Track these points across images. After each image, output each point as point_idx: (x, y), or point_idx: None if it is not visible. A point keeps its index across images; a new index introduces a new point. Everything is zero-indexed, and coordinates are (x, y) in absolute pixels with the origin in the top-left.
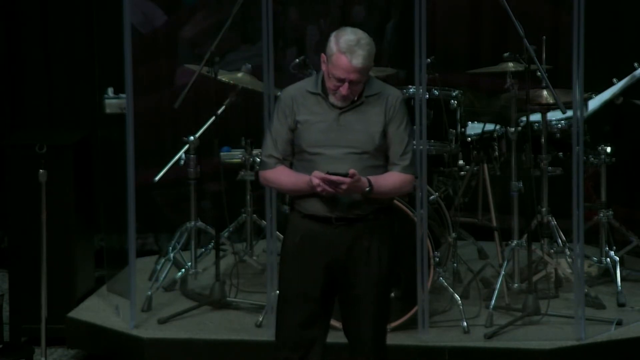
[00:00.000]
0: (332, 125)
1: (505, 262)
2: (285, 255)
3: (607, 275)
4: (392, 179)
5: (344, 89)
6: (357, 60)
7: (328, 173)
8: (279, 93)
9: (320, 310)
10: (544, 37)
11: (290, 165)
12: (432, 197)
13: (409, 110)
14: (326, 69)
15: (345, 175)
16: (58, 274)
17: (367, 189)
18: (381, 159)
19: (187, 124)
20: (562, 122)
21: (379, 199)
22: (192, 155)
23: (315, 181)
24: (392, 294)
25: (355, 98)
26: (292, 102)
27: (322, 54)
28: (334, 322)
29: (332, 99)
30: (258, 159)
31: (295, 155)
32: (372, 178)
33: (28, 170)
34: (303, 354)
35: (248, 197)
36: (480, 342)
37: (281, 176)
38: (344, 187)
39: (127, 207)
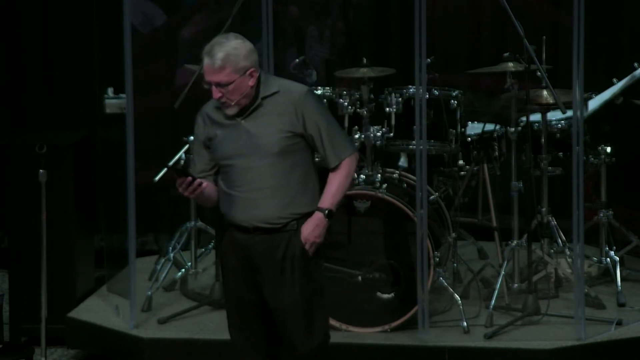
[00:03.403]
0: (236, 135)
1: (505, 262)
2: (221, 262)
3: (607, 275)
4: (336, 181)
5: (214, 94)
6: (212, 60)
7: (169, 169)
8: None
9: (260, 314)
10: (544, 37)
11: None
12: (432, 197)
13: (409, 110)
14: None
15: (174, 167)
16: (58, 274)
17: (326, 212)
18: (295, 158)
19: (187, 124)
20: (562, 122)
21: (298, 208)
22: (192, 155)
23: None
24: (392, 294)
25: (250, 101)
26: (202, 121)
27: None
28: (333, 322)
29: (223, 108)
30: None
31: (219, 168)
32: (322, 200)
33: (28, 170)
34: (253, 356)
35: None
36: (480, 342)
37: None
38: (196, 180)
39: (127, 207)
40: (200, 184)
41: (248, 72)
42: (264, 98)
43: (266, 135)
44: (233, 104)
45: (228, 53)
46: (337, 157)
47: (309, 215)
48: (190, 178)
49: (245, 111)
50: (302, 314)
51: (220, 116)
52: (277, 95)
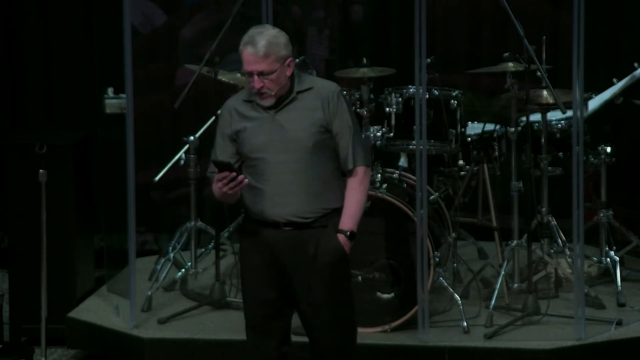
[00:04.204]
0: (269, 128)
1: (505, 262)
2: (240, 259)
3: (607, 275)
4: (354, 201)
5: (254, 83)
6: (256, 49)
7: (214, 163)
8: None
9: (279, 314)
10: (544, 37)
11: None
12: (432, 197)
13: (409, 110)
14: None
15: (226, 163)
16: (58, 274)
17: (348, 234)
18: (324, 154)
19: (187, 124)
20: (562, 122)
21: (323, 202)
22: (192, 155)
23: (215, 178)
24: (392, 294)
25: (285, 94)
26: (229, 115)
27: None
28: None
29: (258, 100)
30: None
31: (243, 163)
32: (343, 221)
33: (28, 170)
34: (266, 355)
35: None
36: (480, 342)
37: (214, 187)
38: (240, 177)
39: (127, 207)
40: (242, 181)
41: (287, 62)
42: (298, 92)
43: (300, 130)
44: (273, 94)
45: (270, 41)
46: (355, 161)
47: (337, 210)
48: (234, 173)
49: (279, 104)
50: (334, 309)
51: (249, 109)
52: (310, 91)
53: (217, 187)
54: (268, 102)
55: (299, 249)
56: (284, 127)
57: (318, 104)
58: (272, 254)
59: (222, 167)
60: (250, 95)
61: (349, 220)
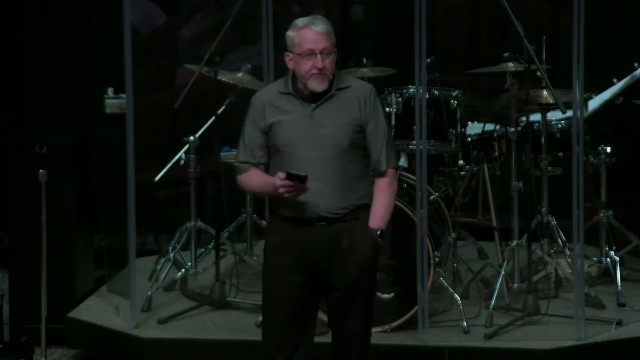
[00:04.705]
0: (306, 122)
1: (505, 262)
2: (268, 258)
3: (607, 275)
4: (383, 202)
5: (318, 62)
6: (320, 27)
7: (287, 174)
8: None
9: (304, 311)
10: (544, 37)
11: (266, 169)
12: (432, 197)
13: (409, 110)
14: (294, 62)
15: (304, 177)
16: (58, 274)
17: (379, 232)
18: (357, 152)
19: (187, 124)
20: (562, 122)
21: (354, 198)
22: (192, 155)
23: (278, 183)
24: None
25: (327, 89)
26: (262, 107)
27: (286, 54)
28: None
29: (311, 85)
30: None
31: (272, 155)
32: (373, 220)
33: (28, 170)
34: (288, 354)
35: (248, 197)
36: (480, 342)
37: (251, 180)
38: (306, 186)
39: (127, 207)
40: (306, 189)
41: (334, 49)
42: (337, 89)
43: (337, 127)
44: (329, 76)
45: (327, 24)
46: (387, 163)
47: (366, 206)
48: (306, 185)
49: (318, 99)
50: (364, 298)
51: (286, 102)
52: (348, 90)
53: (278, 191)
54: (322, 86)
55: (332, 242)
56: (321, 123)
57: (355, 103)
58: (304, 250)
59: (297, 178)
60: (286, 87)
61: (379, 220)
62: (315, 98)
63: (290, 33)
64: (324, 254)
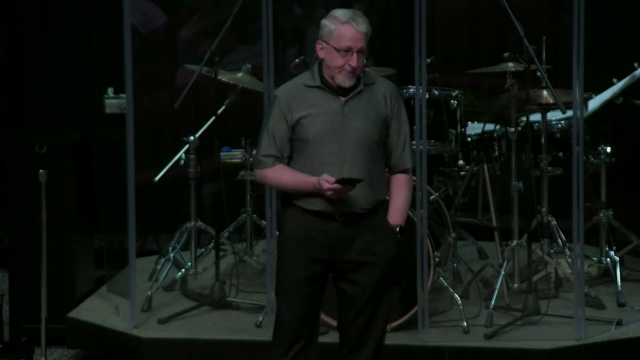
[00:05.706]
0: (337, 116)
1: (505, 262)
2: (285, 250)
3: (607, 275)
4: (403, 195)
5: (353, 61)
6: (362, 27)
7: (341, 180)
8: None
9: (315, 306)
10: (544, 37)
11: (288, 162)
12: (432, 197)
13: (409, 110)
14: (326, 53)
15: (359, 181)
16: (58, 274)
17: (398, 228)
18: (380, 148)
19: (187, 124)
20: (562, 122)
21: (376, 193)
22: (192, 155)
23: (326, 185)
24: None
25: (356, 84)
26: (286, 102)
27: (318, 42)
28: (333, 322)
29: (339, 79)
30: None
31: (296, 149)
32: (392, 216)
33: (28, 170)
34: (300, 348)
35: (248, 197)
36: (480, 342)
37: (282, 175)
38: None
39: (127, 207)
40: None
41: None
42: (365, 85)
43: (369, 121)
44: (359, 74)
45: (367, 23)
46: (406, 162)
47: (384, 202)
48: (354, 187)
49: (348, 92)
50: (381, 291)
51: (313, 96)
52: (374, 86)
53: (326, 193)
54: (350, 82)
55: (353, 237)
56: (352, 117)
57: (382, 99)
58: (323, 246)
59: (349, 182)
60: (314, 80)
61: (398, 216)
62: (344, 92)
63: (329, 24)
64: (343, 247)
